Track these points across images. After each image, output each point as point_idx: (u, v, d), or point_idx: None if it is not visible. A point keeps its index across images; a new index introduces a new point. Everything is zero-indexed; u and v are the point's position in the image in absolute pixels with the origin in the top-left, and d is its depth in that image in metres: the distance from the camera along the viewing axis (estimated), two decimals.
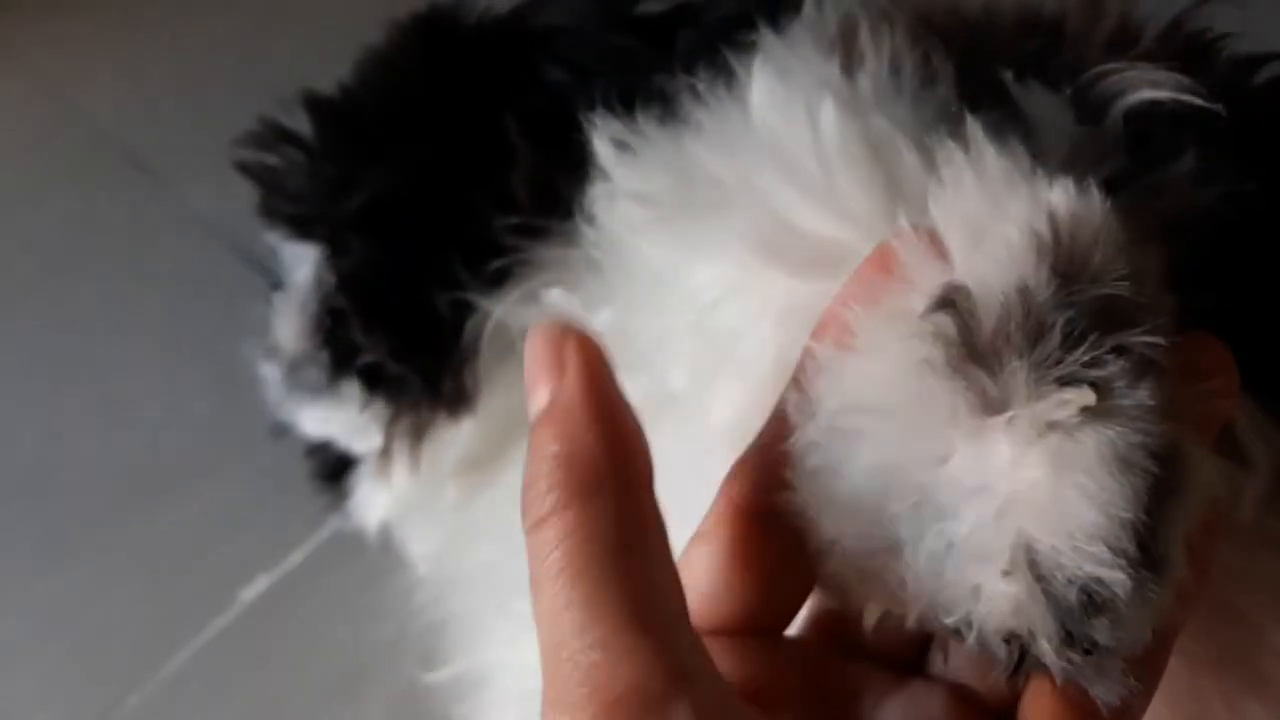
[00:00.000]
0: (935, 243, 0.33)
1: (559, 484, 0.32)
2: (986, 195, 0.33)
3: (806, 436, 0.34)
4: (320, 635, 0.79)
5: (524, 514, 0.32)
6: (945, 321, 0.32)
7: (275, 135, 0.65)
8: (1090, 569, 0.30)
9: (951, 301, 0.32)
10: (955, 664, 0.36)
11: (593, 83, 0.57)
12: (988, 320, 0.32)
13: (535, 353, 0.34)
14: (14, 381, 0.93)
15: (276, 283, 0.69)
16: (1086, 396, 0.31)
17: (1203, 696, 0.40)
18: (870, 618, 0.35)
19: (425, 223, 0.60)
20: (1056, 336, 0.31)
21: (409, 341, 0.61)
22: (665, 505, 0.37)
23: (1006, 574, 0.31)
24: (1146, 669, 0.33)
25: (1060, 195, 0.33)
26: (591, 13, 0.62)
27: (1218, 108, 0.41)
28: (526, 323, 0.55)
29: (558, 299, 0.54)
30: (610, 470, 0.32)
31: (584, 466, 0.32)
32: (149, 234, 0.98)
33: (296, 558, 0.82)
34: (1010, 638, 0.32)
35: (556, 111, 0.58)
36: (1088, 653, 0.31)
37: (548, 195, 0.56)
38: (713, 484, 0.36)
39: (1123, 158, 0.40)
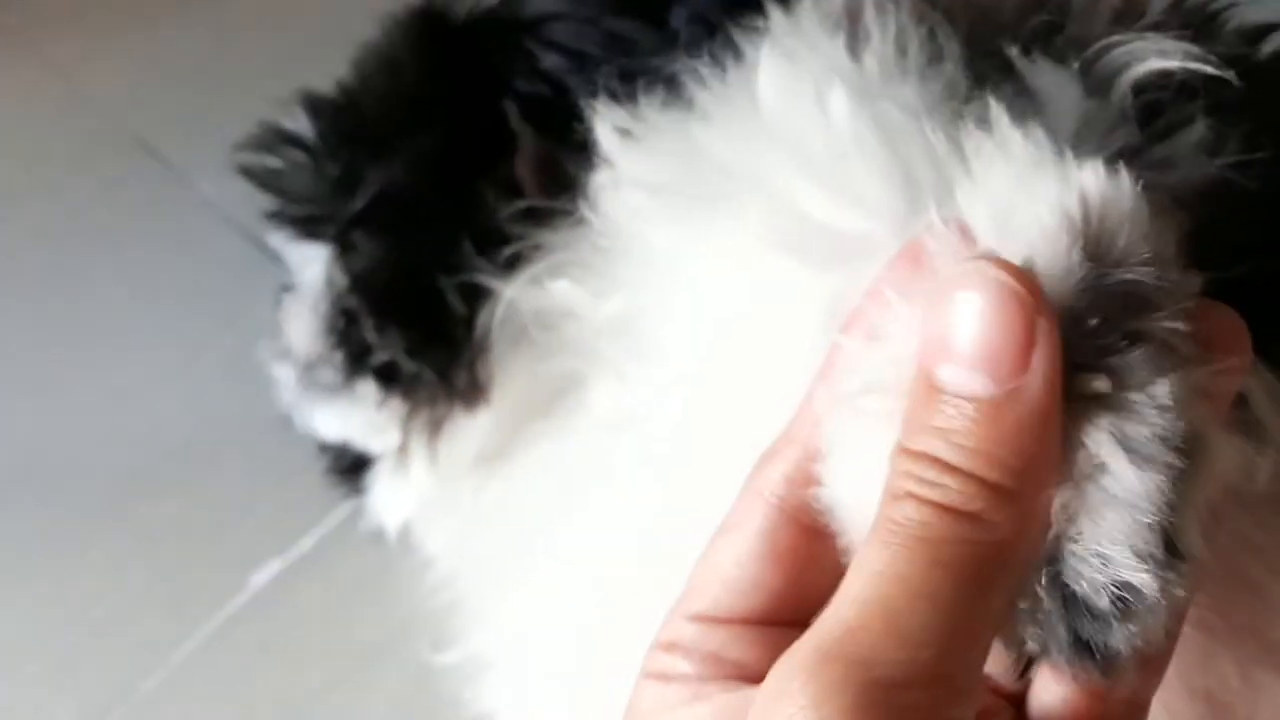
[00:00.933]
0: (966, 235, 0.33)
1: (987, 485, 0.29)
2: (1015, 180, 0.33)
3: (833, 428, 0.34)
4: (331, 619, 0.79)
5: (907, 475, 0.30)
6: None
7: (276, 138, 0.65)
8: (1116, 575, 0.30)
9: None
10: None
11: (591, 67, 0.57)
12: None
13: (997, 316, 0.30)
14: (25, 368, 0.93)
15: (285, 284, 0.69)
16: (1102, 384, 0.30)
17: (1216, 667, 0.40)
18: None
19: (432, 216, 0.60)
20: (1079, 321, 0.31)
21: (422, 338, 0.60)
22: (683, 495, 0.37)
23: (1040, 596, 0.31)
24: (1155, 656, 0.32)
25: (1091, 177, 0.32)
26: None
27: (1228, 75, 0.41)
28: (538, 307, 0.55)
29: (566, 288, 0.54)
30: (1033, 492, 0.30)
31: (1015, 484, 0.29)
32: (159, 220, 0.98)
33: (307, 542, 0.82)
34: (1020, 650, 0.32)
35: (556, 97, 0.58)
36: (1105, 658, 0.31)
37: (553, 179, 0.56)
38: (725, 473, 0.37)
39: (1133, 129, 0.40)
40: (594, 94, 0.51)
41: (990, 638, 0.30)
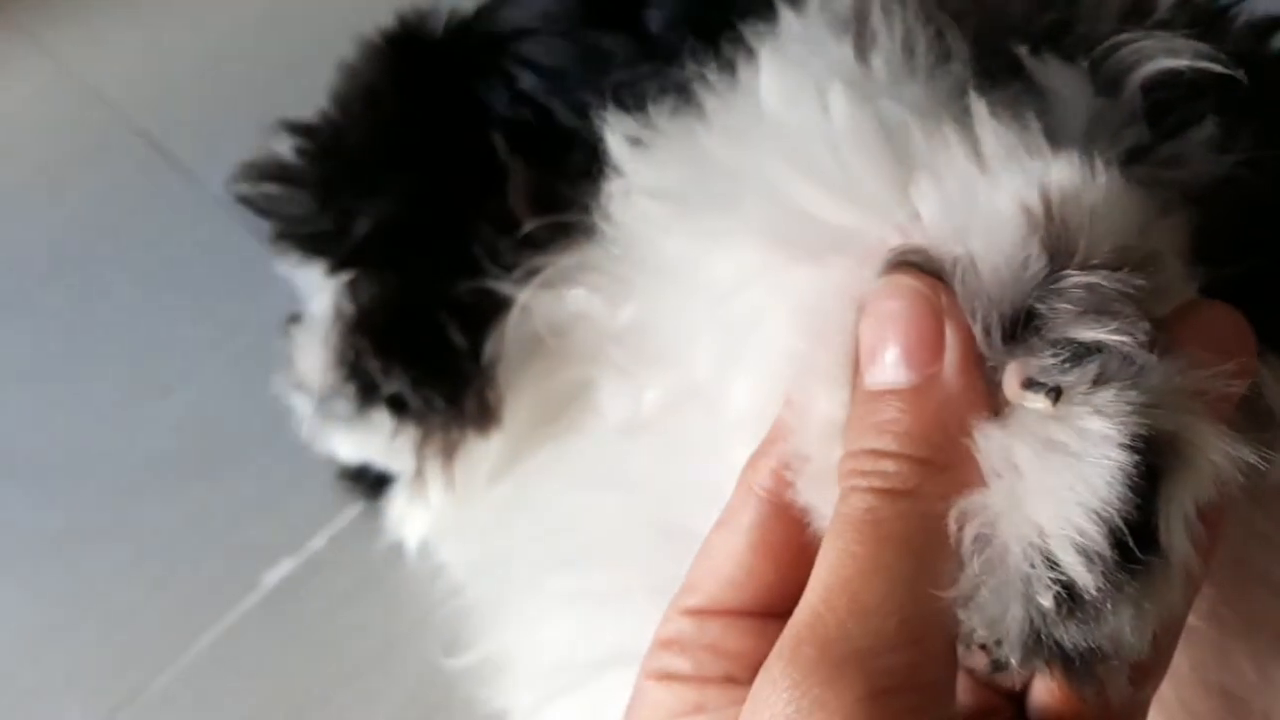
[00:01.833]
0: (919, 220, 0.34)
1: (919, 461, 0.32)
2: (978, 168, 0.34)
3: (798, 444, 0.35)
4: (343, 618, 0.79)
5: (853, 473, 0.33)
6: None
7: (265, 172, 0.65)
8: (1059, 573, 0.30)
9: (912, 264, 0.33)
10: (964, 653, 0.36)
11: (570, 85, 0.57)
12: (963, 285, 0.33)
13: (909, 318, 0.33)
14: (36, 367, 0.93)
15: (293, 315, 0.69)
16: (1044, 404, 0.31)
17: (1231, 661, 0.40)
18: None
19: (427, 252, 0.60)
20: (1032, 325, 0.32)
21: (427, 370, 0.61)
22: (694, 495, 0.37)
23: (979, 581, 0.31)
24: (1151, 656, 0.32)
25: (1061, 170, 0.33)
26: (554, 7, 0.61)
27: (1238, 74, 0.41)
28: (546, 323, 0.55)
29: (582, 296, 0.54)
30: (960, 467, 0.32)
31: (945, 458, 0.32)
32: (169, 218, 0.98)
33: (319, 541, 0.82)
34: (982, 645, 0.32)
35: (539, 120, 0.58)
36: (1060, 657, 0.31)
37: (548, 205, 0.56)
38: (737, 473, 0.37)
39: (1143, 128, 0.40)
40: (577, 112, 0.51)
41: (947, 599, 0.32)
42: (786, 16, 0.46)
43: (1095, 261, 0.32)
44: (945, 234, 0.33)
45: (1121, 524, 0.30)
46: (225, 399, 0.88)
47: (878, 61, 0.41)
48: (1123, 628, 0.31)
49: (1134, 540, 0.30)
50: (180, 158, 1.02)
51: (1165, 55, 0.41)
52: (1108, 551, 0.30)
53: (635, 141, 0.48)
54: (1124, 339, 0.31)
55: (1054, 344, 0.31)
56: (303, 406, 0.69)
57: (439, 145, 0.60)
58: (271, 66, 1.00)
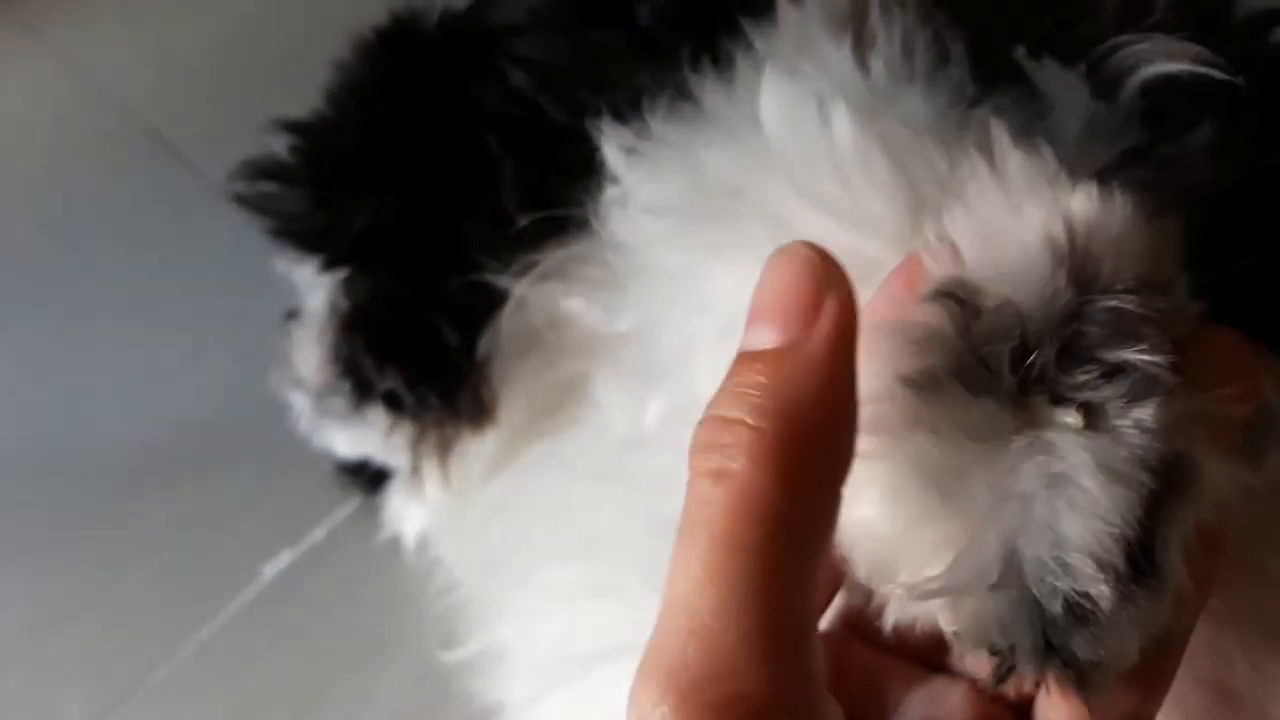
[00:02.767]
0: (957, 253, 0.33)
1: (756, 437, 0.29)
2: (1005, 202, 0.34)
3: None
4: (343, 610, 0.79)
5: (698, 449, 0.30)
6: (942, 315, 0.32)
7: (262, 170, 0.65)
8: (1074, 583, 0.30)
9: (954, 295, 0.32)
10: (972, 661, 0.36)
11: (562, 82, 0.56)
12: (989, 321, 0.32)
13: (787, 282, 0.31)
14: (38, 359, 0.93)
15: (290, 311, 0.69)
16: (1075, 419, 0.31)
17: (1225, 654, 0.40)
18: (890, 617, 0.35)
19: (421, 251, 0.60)
20: (1056, 349, 0.32)
21: (421, 368, 0.60)
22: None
23: (994, 588, 0.31)
24: (1153, 675, 0.33)
25: (1081, 201, 0.33)
26: (544, 4, 0.60)
27: (1236, 79, 0.41)
28: (543, 317, 0.55)
29: (579, 308, 0.54)
30: (818, 451, 0.29)
31: (794, 431, 0.29)
32: (171, 213, 0.98)
33: (319, 533, 0.82)
34: (993, 650, 0.32)
35: (530, 117, 0.57)
36: (1069, 665, 0.31)
37: (541, 200, 0.55)
38: None
39: (1140, 131, 0.40)
40: (568, 108, 0.51)
41: (797, 601, 0.29)
42: (786, 13, 0.46)
43: (1119, 287, 0.32)
44: (979, 267, 0.33)
45: (1136, 541, 0.30)
46: (225, 392, 0.88)
47: (877, 64, 0.41)
48: (1126, 641, 0.31)
49: (1141, 558, 0.31)
50: (183, 152, 1.02)
51: (1163, 59, 0.41)
52: (1123, 567, 0.30)
53: (632, 151, 0.47)
54: (1152, 359, 0.31)
55: (1084, 364, 0.31)
56: (300, 403, 0.69)
57: (432, 142, 0.60)
58: (274, 61, 1.00)
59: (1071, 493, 0.30)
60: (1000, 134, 0.36)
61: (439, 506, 0.67)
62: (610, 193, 0.49)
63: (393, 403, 0.63)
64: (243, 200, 0.66)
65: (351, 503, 0.81)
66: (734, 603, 0.28)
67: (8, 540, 0.84)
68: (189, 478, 0.85)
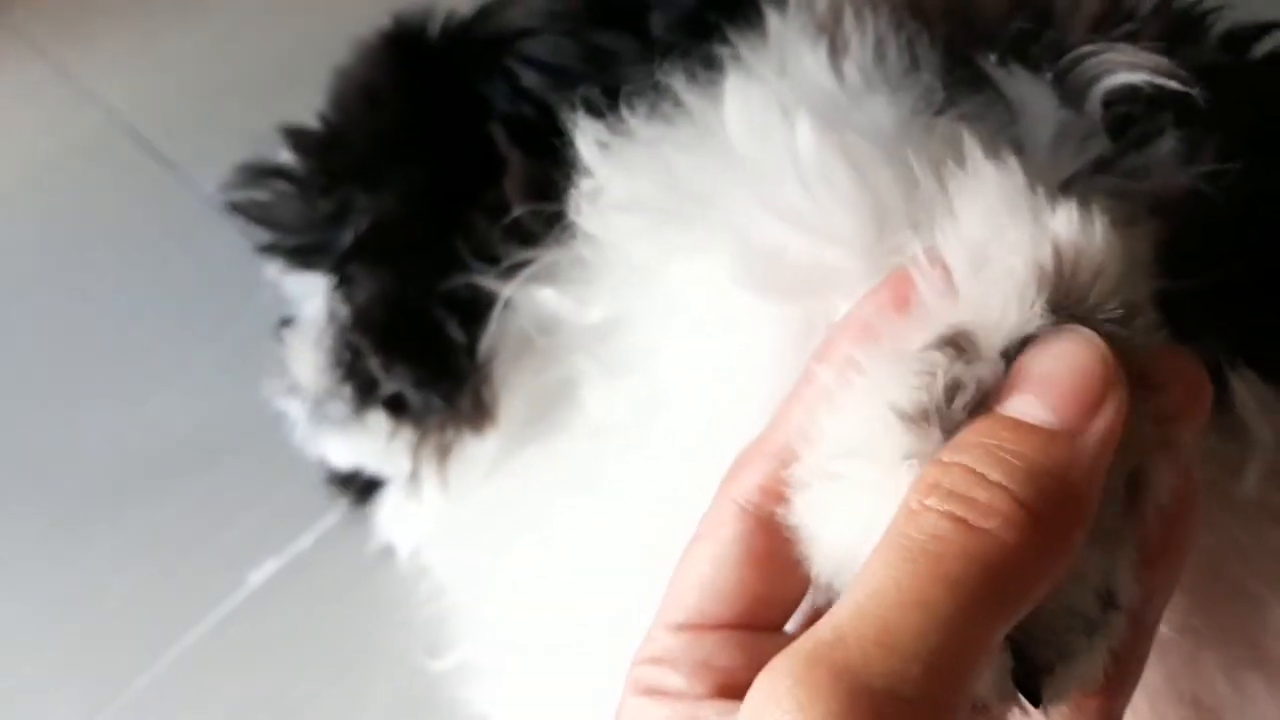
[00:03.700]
0: (947, 274, 0.33)
1: (1019, 509, 0.29)
2: (989, 223, 0.33)
3: (801, 471, 0.34)
4: (328, 618, 0.79)
5: (935, 489, 0.30)
6: (940, 362, 0.32)
7: (262, 172, 0.64)
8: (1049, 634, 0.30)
9: (955, 343, 0.32)
10: None
11: (572, 82, 0.56)
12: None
13: (1078, 366, 0.31)
14: (25, 366, 0.93)
15: (285, 319, 0.69)
16: None
17: (1202, 669, 0.40)
18: None
19: (426, 247, 0.59)
20: None
21: (427, 371, 0.60)
22: (661, 503, 0.37)
23: None
24: (1123, 671, 0.33)
25: (1064, 224, 0.32)
26: (558, 7, 0.60)
27: (1193, 90, 0.40)
28: (534, 311, 0.55)
29: (550, 299, 0.53)
30: (1059, 544, 0.30)
31: (1052, 516, 0.30)
32: (160, 220, 0.98)
33: (305, 541, 0.82)
34: None
35: (540, 116, 0.57)
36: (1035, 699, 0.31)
37: (543, 196, 0.55)
38: (703, 486, 0.37)
39: (1105, 141, 0.40)
40: (575, 107, 0.51)
41: (982, 663, 0.30)
42: (772, 20, 0.46)
43: (1104, 316, 0.32)
44: (968, 293, 0.33)
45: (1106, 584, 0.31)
46: (212, 399, 0.88)
47: (850, 70, 0.41)
48: (1095, 669, 0.31)
49: None
50: (172, 159, 1.02)
51: (1125, 69, 0.41)
52: (1098, 613, 0.31)
53: (605, 146, 0.47)
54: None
55: None
56: (296, 411, 0.69)
57: (437, 140, 0.60)
58: (266, 69, 1.00)
59: None
60: (973, 147, 0.35)
61: (433, 512, 0.67)
62: (583, 186, 0.48)
63: (395, 407, 0.62)
64: (238, 209, 0.65)
65: (338, 511, 0.81)
66: (934, 640, 0.29)
67: None
68: (174, 485, 0.85)
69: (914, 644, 0.28)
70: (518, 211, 0.55)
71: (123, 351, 0.92)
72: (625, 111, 0.47)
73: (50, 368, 0.93)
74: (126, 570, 0.82)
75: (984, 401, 0.31)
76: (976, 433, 0.31)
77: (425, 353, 0.59)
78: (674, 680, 0.34)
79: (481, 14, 0.63)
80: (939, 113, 0.38)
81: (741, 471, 0.36)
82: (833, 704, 0.28)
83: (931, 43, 0.41)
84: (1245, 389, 0.39)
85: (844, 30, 0.42)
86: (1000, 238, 0.33)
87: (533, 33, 0.59)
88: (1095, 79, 0.41)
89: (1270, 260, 0.41)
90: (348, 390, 0.63)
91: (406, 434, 0.63)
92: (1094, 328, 0.31)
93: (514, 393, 0.58)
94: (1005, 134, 0.37)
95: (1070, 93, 0.41)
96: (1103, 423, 0.30)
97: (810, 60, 0.41)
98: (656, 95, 0.47)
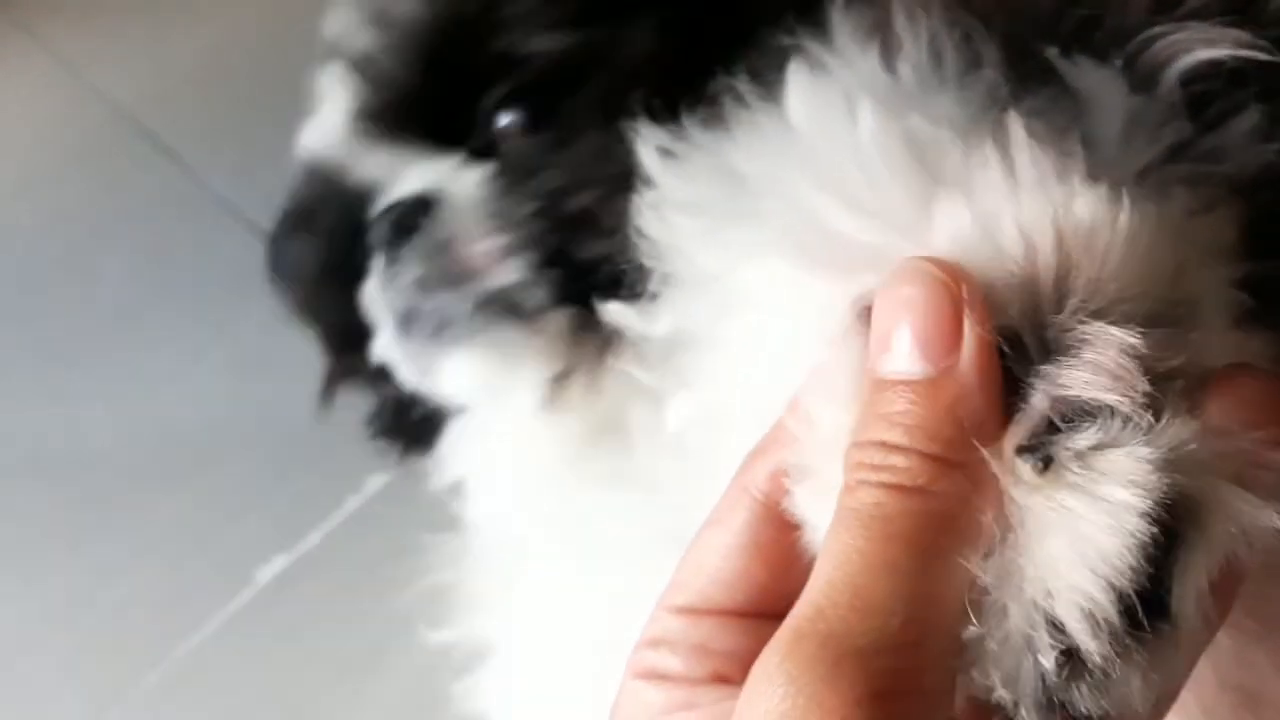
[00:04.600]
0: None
1: (930, 463, 0.31)
2: (993, 204, 0.33)
3: (801, 456, 0.35)
4: (336, 615, 0.79)
5: (861, 467, 0.32)
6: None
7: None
8: (1065, 638, 0.30)
9: None
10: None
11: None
12: None
13: (925, 304, 0.32)
14: (34, 362, 0.93)
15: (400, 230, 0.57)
16: (1029, 475, 0.31)
17: (1252, 665, 0.40)
18: None
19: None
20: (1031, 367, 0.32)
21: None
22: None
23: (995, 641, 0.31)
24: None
25: (1083, 204, 0.33)
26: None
27: (1263, 53, 0.39)
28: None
29: (616, 308, 0.52)
30: (976, 464, 0.32)
31: (960, 457, 0.31)
32: (169, 215, 0.99)
33: (313, 538, 0.82)
34: (998, 705, 0.32)
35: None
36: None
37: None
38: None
39: (1182, 123, 0.39)
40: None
41: (953, 602, 0.31)
42: (834, 18, 0.46)
43: (1097, 308, 0.32)
44: (957, 257, 0.33)
45: (1132, 591, 0.30)
46: (221, 396, 0.88)
47: (905, 70, 0.41)
48: (1131, 694, 0.30)
49: (1144, 607, 0.30)
50: (179, 154, 1.02)
51: (1203, 46, 0.40)
52: (1116, 619, 0.30)
53: (667, 153, 0.47)
54: (1119, 400, 0.31)
55: (1052, 402, 0.31)
56: (425, 318, 0.57)
57: None
58: (273, 64, 1.00)
59: (1056, 541, 0.30)
60: (1017, 129, 0.35)
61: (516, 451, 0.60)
62: (645, 197, 0.47)
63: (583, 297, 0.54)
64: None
65: (346, 508, 0.81)
66: (905, 593, 0.30)
67: (2, 544, 0.84)
68: (183, 482, 0.85)
69: (888, 601, 0.30)
70: None
71: (131, 349, 0.92)
72: (685, 117, 0.47)
73: (59, 365, 0.93)
74: (135, 567, 0.82)
75: None
76: (871, 404, 0.33)
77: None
78: (672, 663, 0.35)
79: None
80: (1005, 109, 0.38)
81: (754, 461, 0.37)
82: (820, 669, 0.29)
83: (990, 38, 0.41)
84: None
85: (895, 31, 0.41)
86: (1000, 219, 0.33)
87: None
88: (1171, 59, 0.40)
89: None
90: (546, 276, 0.55)
91: (580, 347, 0.56)
92: (1091, 328, 0.31)
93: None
94: (1077, 126, 0.37)
95: (1141, 77, 0.40)
96: (969, 348, 0.32)
97: (863, 62, 0.41)
98: (713, 102, 0.47)
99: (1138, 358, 0.31)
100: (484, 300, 0.55)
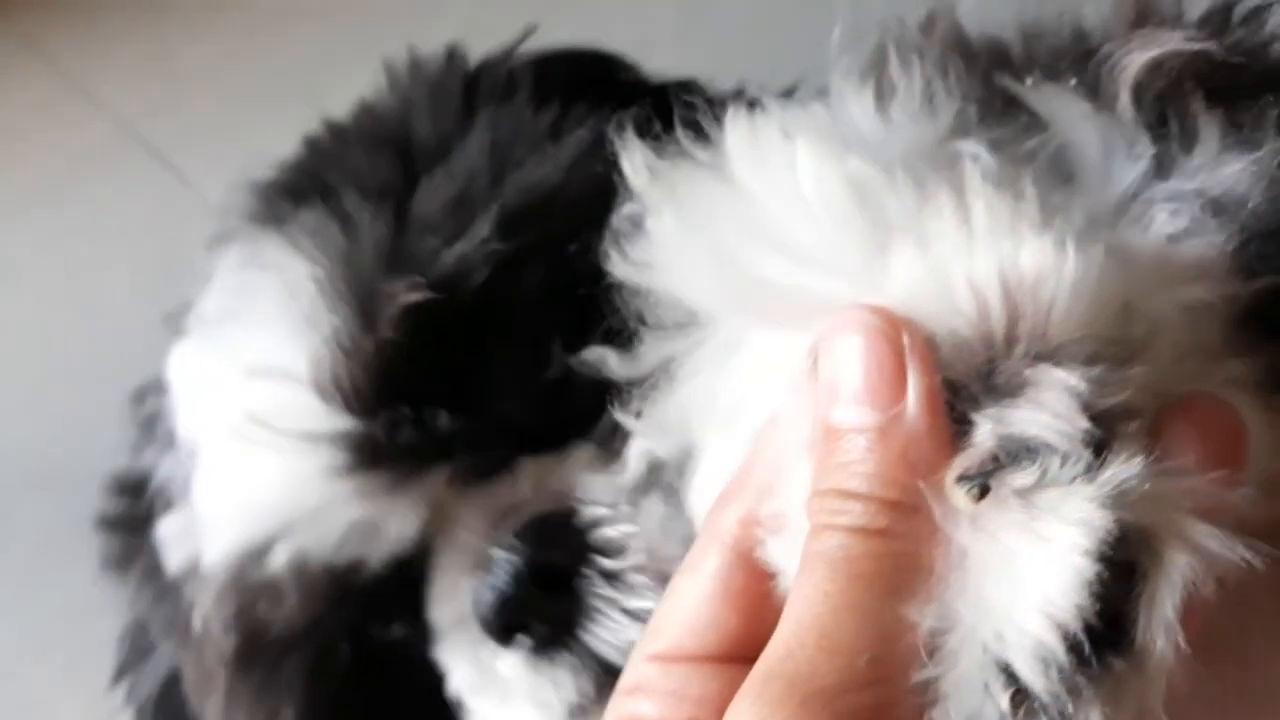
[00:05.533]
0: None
1: (889, 508, 0.32)
2: (944, 254, 0.34)
3: (775, 506, 0.36)
4: None
5: (825, 511, 0.33)
6: None
7: None
8: (1015, 679, 0.31)
9: None
10: None
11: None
12: None
13: (869, 353, 0.33)
14: (36, 373, 0.93)
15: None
16: (964, 503, 0.32)
17: (1252, 663, 0.40)
18: None
19: None
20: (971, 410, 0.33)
21: None
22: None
23: (950, 683, 0.32)
24: None
25: (1032, 252, 0.33)
26: None
27: (1210, 46, 0.40)
28: None
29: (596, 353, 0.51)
30: (928, 510, 0.33)
31: (913, 499, 0.32)
32: (170, 229, 0.98)
33: None
34: None
35: None
36: None
37: None
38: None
39: (1142, 134, 0.39)
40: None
41: (914, 643, 0.32)
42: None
43: (1041, 351, 0.33)
44: (907, 308, 0.34)
45: (1080, 628, 0.30)
46: None
47: (896, 112, 0.40)
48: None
49: (1107, 639, 0.30)
50: (182, 169, 1.02)
51: (1140, 49, 0.40)
52: (1064, 659, 0.30)
53: (651, 170, 0.45)
54: (1057, 437, 0.32)
55: (996, 440, 0.32)
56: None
57: None
58: (276, 79, 1.01)
59: (1001, 581, 0.31)
60: (973, 173, 0.36)
61: None
62: (625, 209, 0.47)
63: None
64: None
65: None
66: (871, 633, 0.31)
67: (10, 550, 0.84)
68: None
69: (854, 640, 0.32)
70: None
71: (133, 359, 0.92)
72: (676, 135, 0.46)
73: (60, 374, 0.93)
74: None
75: None
76: (826, 453, 0.34)
77: None
78: (648, 709, 0.36)
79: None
80: (962, 139, 0.38)
81: (723, 507, 0.38)
82: (789, 708, 0.31)
83: (969, 73, 0.41)
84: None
85: (889, 74, 0.41)
86: (951, 269, 0.34)
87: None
88: (1124, 66, 0.40)
89: None
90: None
91: None
92: (1036, 370, 0.32)
93: None
94: (1057, 156, 0.37)
95: (1101, 92, 0.40)
96: (914, 394, 0.33)
97: (855, 107, 0.41)
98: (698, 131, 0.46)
99: (1077, 396, 0.32)
100: None
